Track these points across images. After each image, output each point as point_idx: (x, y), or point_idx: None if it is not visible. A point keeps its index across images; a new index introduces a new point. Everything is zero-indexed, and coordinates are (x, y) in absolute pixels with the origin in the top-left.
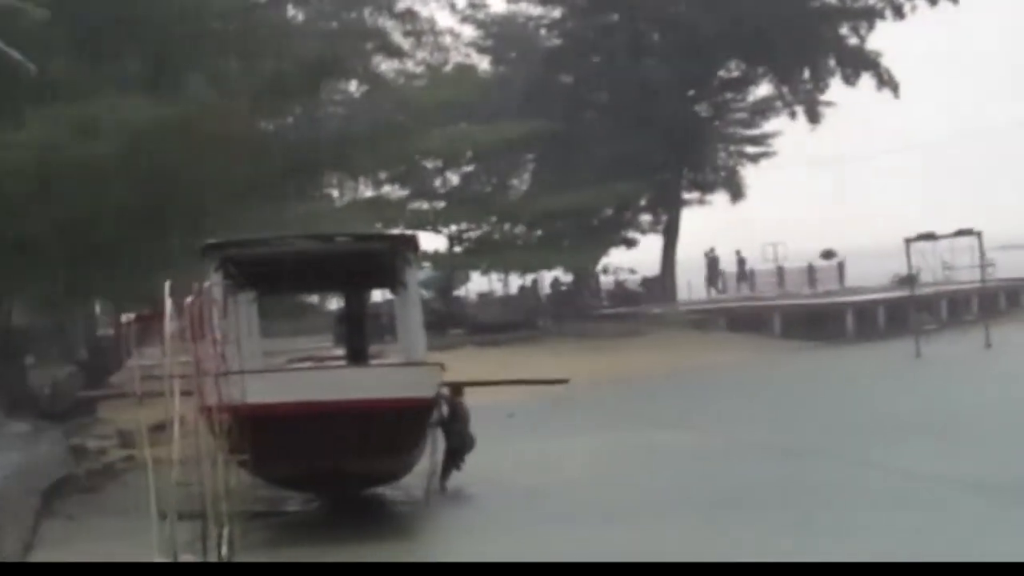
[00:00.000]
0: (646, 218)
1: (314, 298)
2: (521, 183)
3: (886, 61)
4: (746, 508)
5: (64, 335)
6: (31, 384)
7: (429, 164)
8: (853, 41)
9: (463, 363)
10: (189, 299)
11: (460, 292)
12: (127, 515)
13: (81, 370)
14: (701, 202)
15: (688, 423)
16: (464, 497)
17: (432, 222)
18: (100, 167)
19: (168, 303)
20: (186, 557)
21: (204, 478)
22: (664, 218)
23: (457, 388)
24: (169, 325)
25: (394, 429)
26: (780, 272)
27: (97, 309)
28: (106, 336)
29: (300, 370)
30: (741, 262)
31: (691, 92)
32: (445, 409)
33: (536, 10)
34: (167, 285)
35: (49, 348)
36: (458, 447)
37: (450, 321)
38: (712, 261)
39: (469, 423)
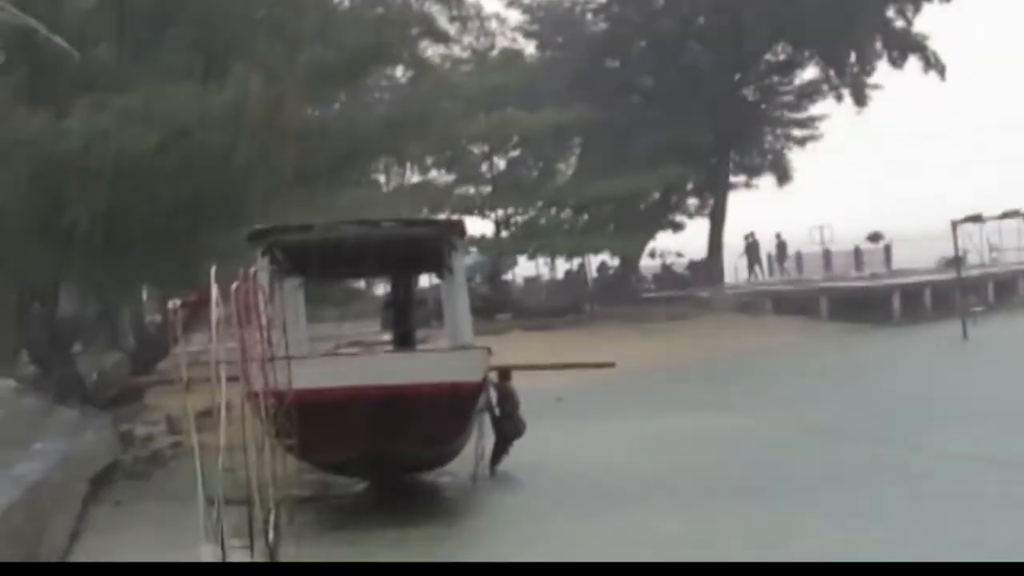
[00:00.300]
0: (693, 202)
1: (361, 283)
2: (567, 168)
3: (933, 44)
4: (791, 492)
5: (111, 322)
6: (79, 371)
7: (476, 149)
8: (900, 24)
9: (510, 348)
10: (235, 285)
11: (507, 277)
12: (175, 501)
13: (128, 357)
14: (748, 185)
15: (735, 406)
16: (511, 481)
17: (479, 207)
18: (145, 156)
19: (214, 289)
20: (232, 543)
21: (250, 464)
22: (711, 202)
23: (505, 372)
24: (215, 311)
25: (441, 414)
26: (827, 255)
27: (144, 296)
28: (153, 323)
29: (347, 355)
30: (780, 245)
31: (737, 76)
32: (494, 394)
33: None
34: (212, 271)
35: (96, 335)
36: (508, 433)
37: (497, 306)
38: (751, 246)
39: (519, 407)
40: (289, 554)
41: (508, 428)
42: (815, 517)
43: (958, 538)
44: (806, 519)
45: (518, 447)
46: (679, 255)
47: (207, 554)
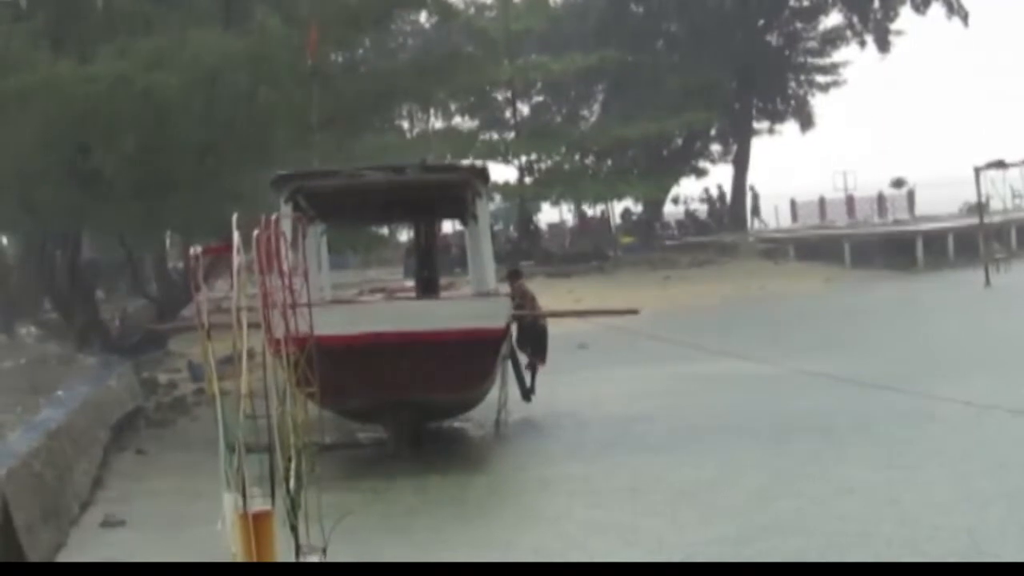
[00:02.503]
0: (716, 148)
1: (385, 230)
2: (591, 114)
3: None
4: (813, 437)
5: (134, 269)
6: (101, 318)
7: (500, 95)
8: None
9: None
10: (257, 232)
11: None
12: (196, 449)
13: (151, 303)
14: (771, 132)
15: (757, 353)
16: (534, 427)
17: (503, 153)
18: (169, 100)
19: (236, 235)
20: (254, 491)
21: (272, 412)
22: (734, 148)
23: (516, 272)
24: (237, 257)
25: (464, 361)
26: (850, 201)
27: (168, 243)
28: (177, 269)
29: (369, 302)
30: (755, 197)
31: (761, 22)
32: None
33: None
34: (235, 217)
35: (119, 282)
36: (533, 342)
37: (525, 252)
38: (752, 198)
39: (537, 307)
40: (310, 502)
41: (531, 337)
42: (834, 461)
43: (972, 487)
44: (826, 463)
45: (541, 393)
46: (703, 200)
47: (228, 502)
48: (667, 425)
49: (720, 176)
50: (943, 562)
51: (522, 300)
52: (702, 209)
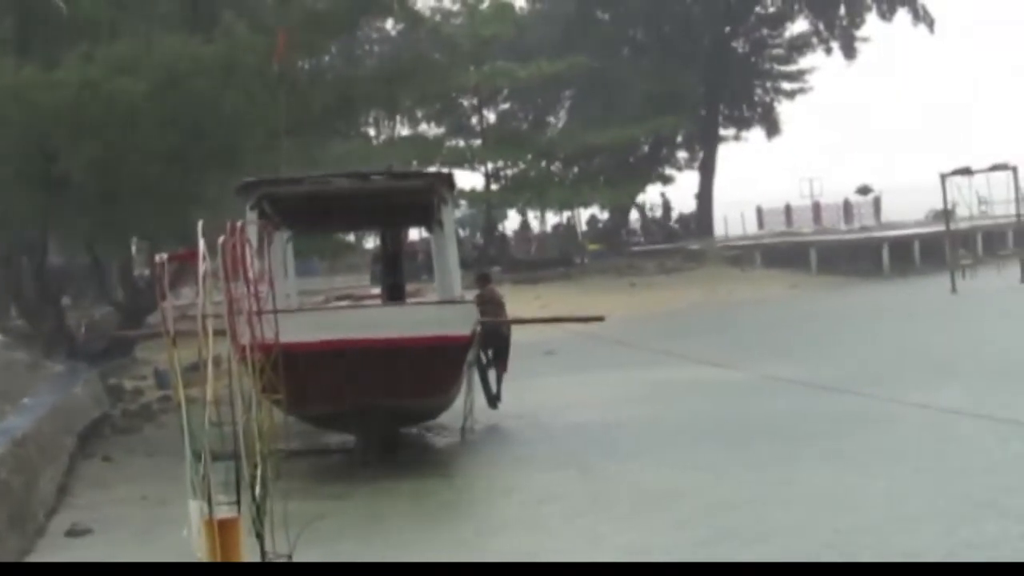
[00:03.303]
0: (683, 155)
1: (352, 237)
2: (558, 120)
3: None
4: (770, 442)
5: (101, 275)
6: (68, 324)
7: (466, 102)
8: None
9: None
10: (222, 238)
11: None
12: (163, 456)
13: (118, 310)
14: (737, 138)
15: (722, 359)
16: (501, 434)
17: (469, 159)
18: (135, 105)
19: (201, 242)
20: (220, 499)
21: (238, 419)
22: (701, 154)
23: (485, 277)
24: (203, 264)
25: (430, 367)
26: (816, 208)
27: (134, 249)
28: (143, 276)
29: (335, 308)
30: (665, 204)
31: (727, 28)
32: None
33: None
34: (200, 224)
35: (86, 288)
36: (497, 344)
37: (491, 259)
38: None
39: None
40: (276, 509)
41: (497, 341)
42: (797, 465)
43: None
44: (789, 467)
45: (508, 399)
46: (669, 207)
47: (194, 510)
48: (633, 431)
49: (687, 182)
50: (943, 562)
51: (491, 305)
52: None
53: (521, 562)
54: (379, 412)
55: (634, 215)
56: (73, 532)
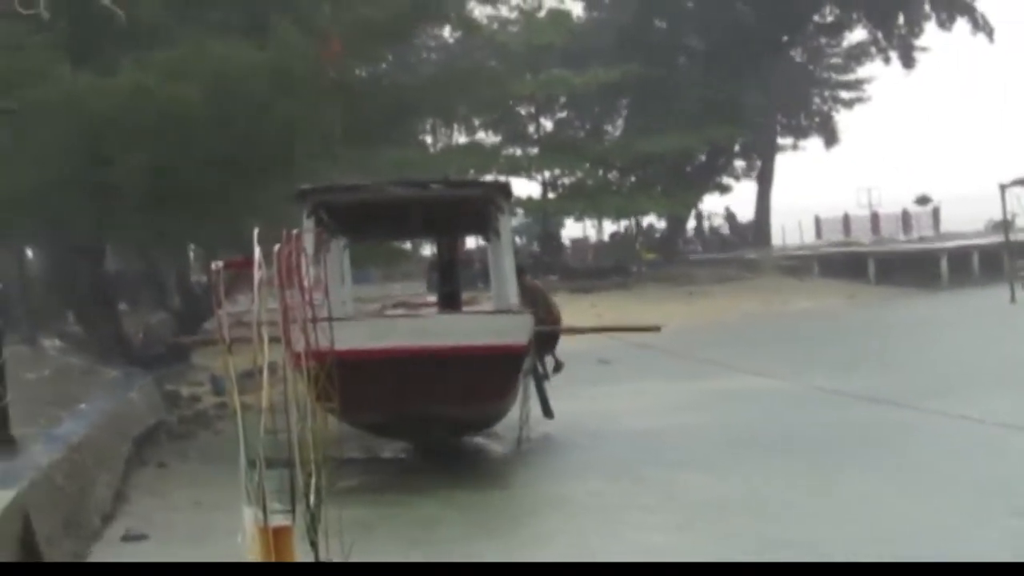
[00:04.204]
0: (740, 164)
1: (408, 244)
2: (615, 129)
3: (981, 5)
4: (821, 453)
5: (157, 282)
6: (124, 331)
7: (523, 110)
8: None
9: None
10: (278, 246)
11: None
12: (218, 463)
13: (174, 317)
14: (795, 148)
15: (778, 370)
16: (556, 443)
17: (526, 168)
18: (191, 112)
19: (257, 250)
20: (274, 506)
21: (292, 426)
22: (758, 164)
23: (519, 270)
24: (258, 272)
25: (485, 376)
26: (874, 218)
27: (191, 256)
28: (199, 282)
29: (390, 316)
30: (730, 217)
31: (785, 37)
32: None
33: None
34: (256, 232)
35: (142, 295)
36: (545, 342)
37: (547, 267)
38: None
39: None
40: (330, 517)
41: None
42: (851, 478)
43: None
44: (843, 480)
45: (562, 409)
46: (726, 217)
47: (248, 517)
48: (688, 441)
49: (744, 192)
50: (943, 562)
51: (532, 296)
52: (724, 226)
53: (522, 562)
54: (434, 421)
55: (691, 224)
56: (128, 537)
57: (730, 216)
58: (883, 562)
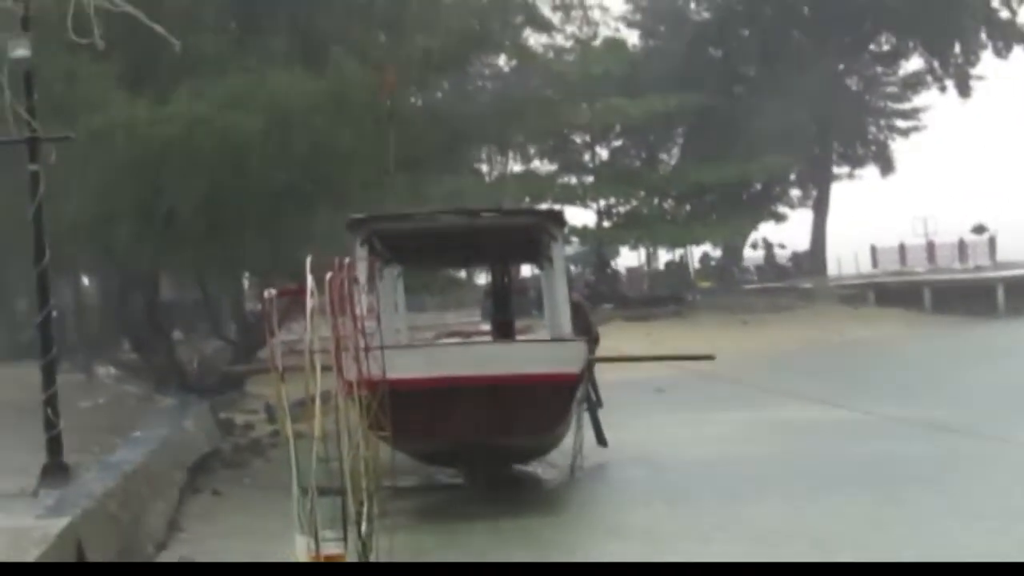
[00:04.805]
0: (796, 193)
1: (463, 273)
2: (670, 157)
3: None
4: (880, 481)
5: (212, 310)
6: (179, 358)
7: (578, 138)
8: (1004, 14)
9: (611, 338)
10: (329, 274)
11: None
12: (272, 490)
13: (229, 344)
14: (851, 176)
15: (834, 399)
16: (609, 472)
17: (581, 196)
18: (246, 141)
19: (310, 278)
20: (326, 535)
21: (344, 454)
22: (814, 192)
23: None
24: (311, 300)
25: (539, 405)
26: (930, 247)
27: (246, 284)
28: (254, 311)
29: (443, 345)
30: (767, 246)
31: (841, 66)
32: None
33: None
34: (308, 261)
35: (197, 323)
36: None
37: (602, 296)
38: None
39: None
40: (382, 545)
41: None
42: (910, 508)
43: None
44: (901, 509)
45: (617, 438)
46: (782, 246)
47: (300, 545)
48: (742, 469)
49: (800, 220)
50: (943, 562)
51: (576, 310)
52: (782, 254)
53: (525, 562)
54: (487, 449)
55: (747, 252)
56: None
57: (767, 245)
58: (883, 562)
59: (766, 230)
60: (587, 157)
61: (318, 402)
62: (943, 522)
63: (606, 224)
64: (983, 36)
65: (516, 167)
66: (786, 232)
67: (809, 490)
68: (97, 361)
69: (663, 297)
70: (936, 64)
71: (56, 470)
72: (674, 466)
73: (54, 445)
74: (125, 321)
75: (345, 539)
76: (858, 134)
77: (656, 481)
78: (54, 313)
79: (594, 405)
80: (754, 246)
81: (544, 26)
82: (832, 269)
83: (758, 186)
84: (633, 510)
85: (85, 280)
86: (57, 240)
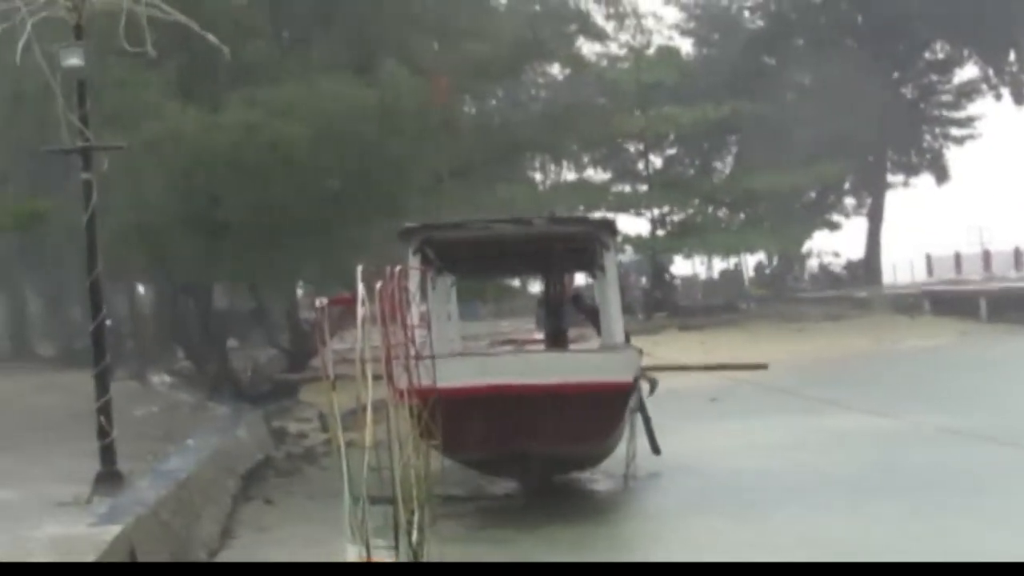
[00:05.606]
0: (850, 201)
1: (516, 281)
2: (724, 166)
3: None
4: (932, 492)
5: (265, 318)
6: (233, 366)
7: (632, 147)
8: None
9: (665, 346)
10: (380, 283)
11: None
12: (325, 499)
13: (282, 353)
14: (906, 185)
15: (887, 408)
16: (663, 481)
17: (635, 205)
18: (297, 149)
19: (360, 287)
20: (377, 543)
21: (395, 463)
22: (868, 201)
23: (577, 296)
24: (361, 309)
25: (591, 413)
26: (986, 255)
27: (300, 292)
28: (308, 319)
29: (495, 354)
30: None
31: (896, 74)
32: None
33: None
34: (359, 270)
35: (251, 331)
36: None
37: (658, 304)
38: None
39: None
40: (433, 554)
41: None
42: (965, 520)
43: None
44: (957, 521)
45: (670, 446)
46: (836, 255)
47: (352, 554)
48: (796, 479)
49: (855, 229)
50: (943, 562)
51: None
52: (836, 262)
53: (528, 562)
54: (539, 458)
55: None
56: None
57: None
58: (883, 562)
59: (820, 239)
60: (641, 165)
61: (369, 411)
62: (996, 534)
63: (660, 233)
64: None
65: (569, 176)
66: (841, 241)
67: (861, 500)
68: (151, 369)
69: (717, 306)
70: (991, 72)
71: (110, 478)
72: (728, 475)
73: (107, 453)
74: (179, 329)
75: (396, 548)
76: (913, 142)
77: (709, 490)
78: (108, 321)
79: (647, 414)
80: (808, 255)
81: (597, 35)
82: (887, 278)
83: (812, 194)
84: (685, 519)
85: (140, 288)
86: (110, 249)
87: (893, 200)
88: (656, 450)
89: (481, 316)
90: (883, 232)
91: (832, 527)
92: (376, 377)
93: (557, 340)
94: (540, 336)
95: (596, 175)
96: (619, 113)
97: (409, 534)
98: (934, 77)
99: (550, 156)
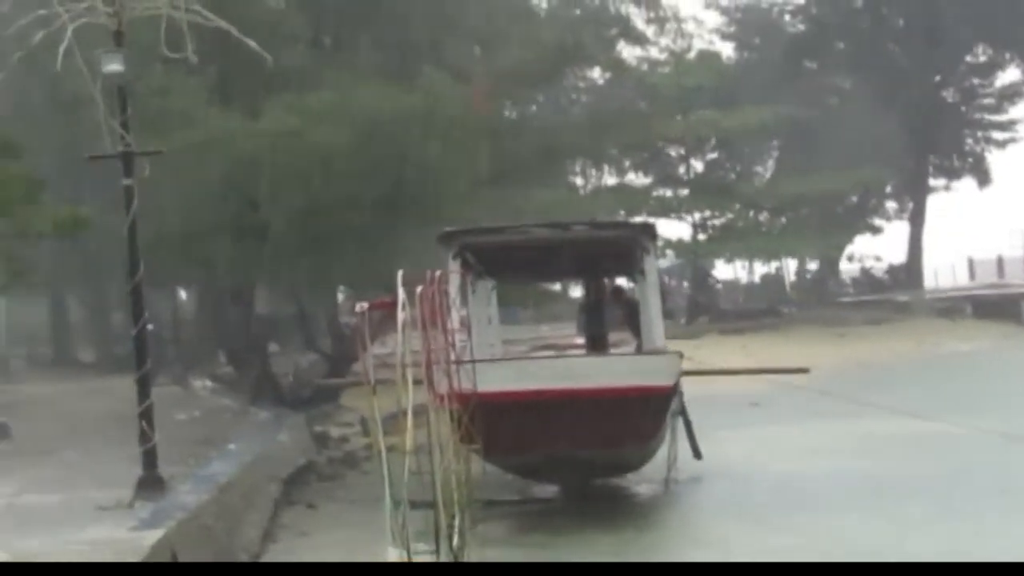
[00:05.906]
0: (891, 205)
1: (557, 285)
2: (765, 170)
3: None
4: (978, 496)
5: (307, 323)
6: (274, 372)
7: (673, 151)
8: None
9: (706, 350)
10: (420, 288)
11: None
12: (366, 504)
13: (323, 358)
14: (947, 188)
15: (932, 412)
16: (704, 485)
17: (676, 209)
18: (337, 154)
19: (401, 291)
20: (418, 547)
21: (436, 467)
22: (910, 205)
23: (618, 290)
24: (402, 314)
25: (632, 418)
26: None
27: (340, 297)
28: (349, 324)
29: (536, 358)
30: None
31: (937, 78)
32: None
33: None
34: (399, 274)
35: (292, 336)
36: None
37: (700, 308)
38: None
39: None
40: (473, 557)
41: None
42: (1009, 523)
43: None
44: (1001, 526)
45: (712, 451)
46: (878, 259)
47: (393, 557)
48: (837, 484)
49: (896, 233)
50: (943, 562)
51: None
52: (878, 266)
53: (526, 562)
54: (579, 463)
55: (844, 265)
56: None
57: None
58: (883, 562)
59: (862, 243)
60: (682, 170)
61: (410, 415)
62: None
63: (701, 237)
64: None
65: (610, 180)
66: (882, 245)
67: (906, 506)
68: (193, 374)
69: (759, 310)
70: None
71: (151, 482)
72: (768, 480)
73: (149, 458)
74: (221, 334)
75: (437, 551)
76: (954, 146)
77: (749, 495)
78: (150, 326)
79: (688, 418)
80: (850, 259)
81: (638, 39)
82: (929, 282)
83: (854, 198)
84: (727, 524)
85: (182, 294)
86: (152, 254)
87: (935, 204)
88: (698, 454)
89: (521, 321)
90: (925, 236)
91: (877, 534)
92: (417, 382)
93: (598, 344)
94: (581, 341)
95: (637, 179)
96: (660, 117)
97: (450, 538)
98: (975, 80)
99: (591, 160)
